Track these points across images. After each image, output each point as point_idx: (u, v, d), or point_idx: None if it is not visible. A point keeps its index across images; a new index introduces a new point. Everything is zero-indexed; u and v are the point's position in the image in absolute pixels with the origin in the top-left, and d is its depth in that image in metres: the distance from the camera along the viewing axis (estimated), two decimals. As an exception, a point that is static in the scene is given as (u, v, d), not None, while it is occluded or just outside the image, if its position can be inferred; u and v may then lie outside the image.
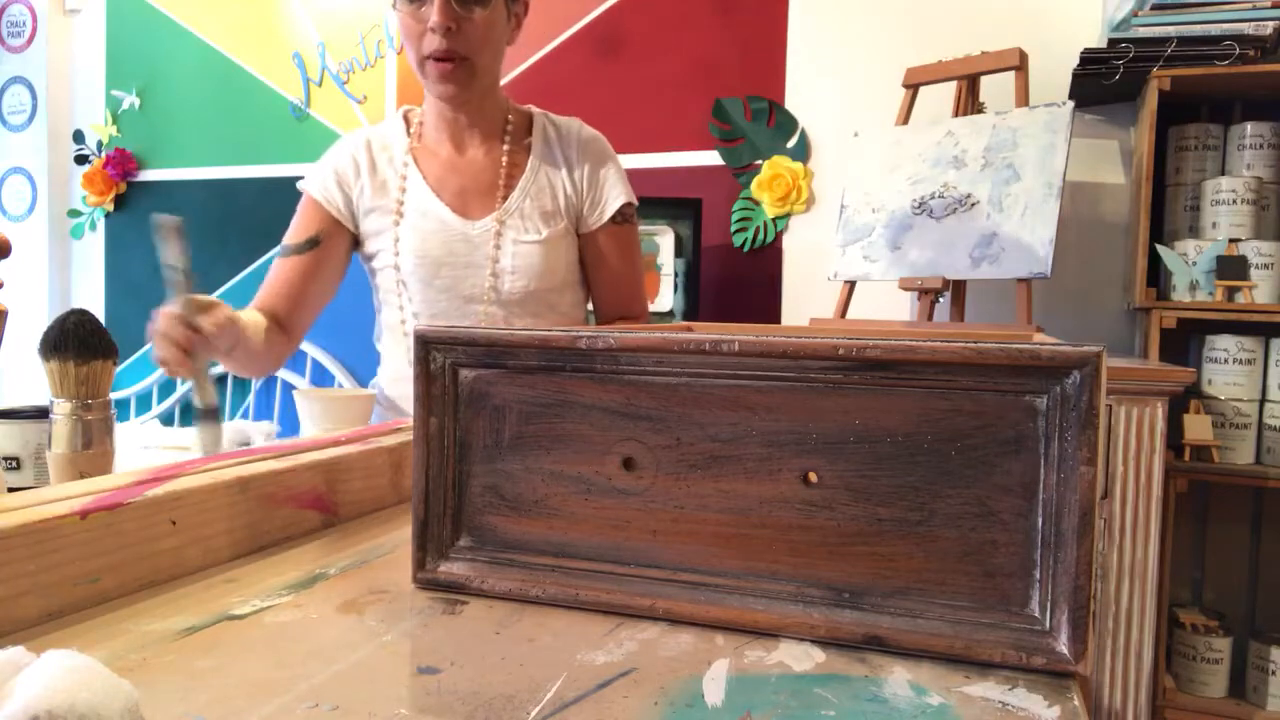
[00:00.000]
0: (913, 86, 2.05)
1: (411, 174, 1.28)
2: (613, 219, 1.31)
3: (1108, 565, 1.52)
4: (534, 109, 1.36)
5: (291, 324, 1.29)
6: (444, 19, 1.14)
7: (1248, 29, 1.74)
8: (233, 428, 1.49)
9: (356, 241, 1.33)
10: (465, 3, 1.16)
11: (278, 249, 1.32)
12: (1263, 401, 1.77)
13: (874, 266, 1.95)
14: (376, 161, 1.30)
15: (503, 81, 2.64)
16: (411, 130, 1.32)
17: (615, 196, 1.30)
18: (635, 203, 1.34)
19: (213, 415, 0.94)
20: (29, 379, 3.13)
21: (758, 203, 2.38)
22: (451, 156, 1.30)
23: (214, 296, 1.03)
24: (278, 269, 1.30)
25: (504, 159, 1.29)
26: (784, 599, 0.42)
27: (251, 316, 1.19)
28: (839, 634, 0.41)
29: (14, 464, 0.79)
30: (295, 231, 1.32)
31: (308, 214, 1.32)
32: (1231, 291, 1.76)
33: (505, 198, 1.27)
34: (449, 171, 1.29)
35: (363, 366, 2.78)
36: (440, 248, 1.26)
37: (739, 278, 2.42)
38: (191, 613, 0.44)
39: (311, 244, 1.28)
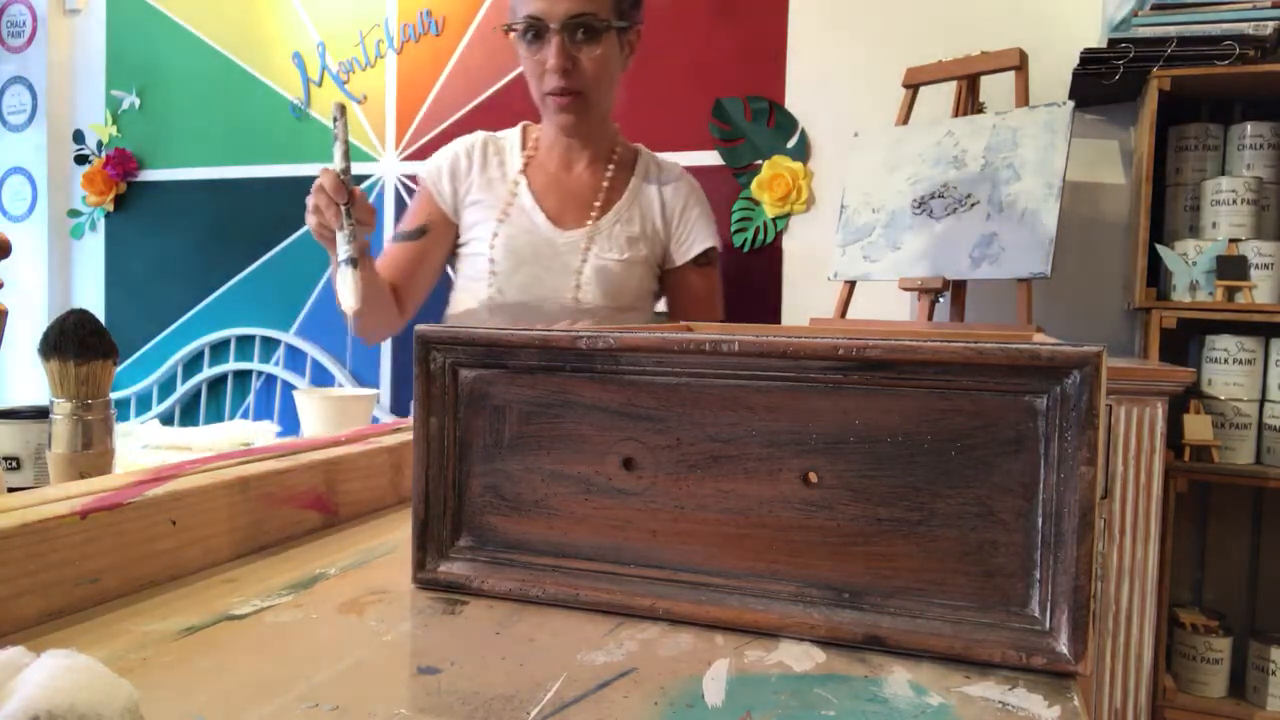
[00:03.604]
0: (913, 86, 2.05)
1: (521, 182, 1.41)
2: (696, 260, 1.42)
3: (1108, 565, 1.52)
4: (641, 147, 1.48)
5: (402, 301, 1.42)
6: (560, 60, 1.25)
7: (1248, 29, 1.74)
8: (233, 427, 1.49)
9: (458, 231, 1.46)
10: (579, 44, 1.26)
11: (394, 234, 1.46)
12: (1263, 401, 1.77)
13: (874, 266, 1.95)
14: (488, 161, 1.43)
15: (505, 80, 2.62)
16: (529, 146, 1.44)
17: (702, 239, 1.42)
18: (719, 249, 1.45)
19: (351, 264, 1.12)
20: (29, 379, 3.13)
21: (758, 203, 2.38)
22: (559, 172, 1.42)
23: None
24: (389, 251, 1.44)
25: (605, 182, 1.40)
26: (784, 599, 0.42)
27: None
28: (839, 634, 0.41)
29: (14, 464, 0.79)
30: (408, 219, 1.46)
31: (420, 203, 1.45)
32: (1231, 291, 1.76)
33: (599, 216, 1.38)
34: (554, 185, 1.41)
35: (363, 366, 2.78)
36: (528, 247, 1.37)
37: (739, 278, 2.42)
38: (191, 613, 0.44)
39: (420, 233, 1.43)
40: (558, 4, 1.23)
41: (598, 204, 1.38)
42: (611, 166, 1.40)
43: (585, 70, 1.27)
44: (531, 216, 1.37)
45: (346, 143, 1.13)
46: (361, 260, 1.21)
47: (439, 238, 1.43)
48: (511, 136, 1.46)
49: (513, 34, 1.30)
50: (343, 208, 1.12)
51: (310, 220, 1.17)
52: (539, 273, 1.36)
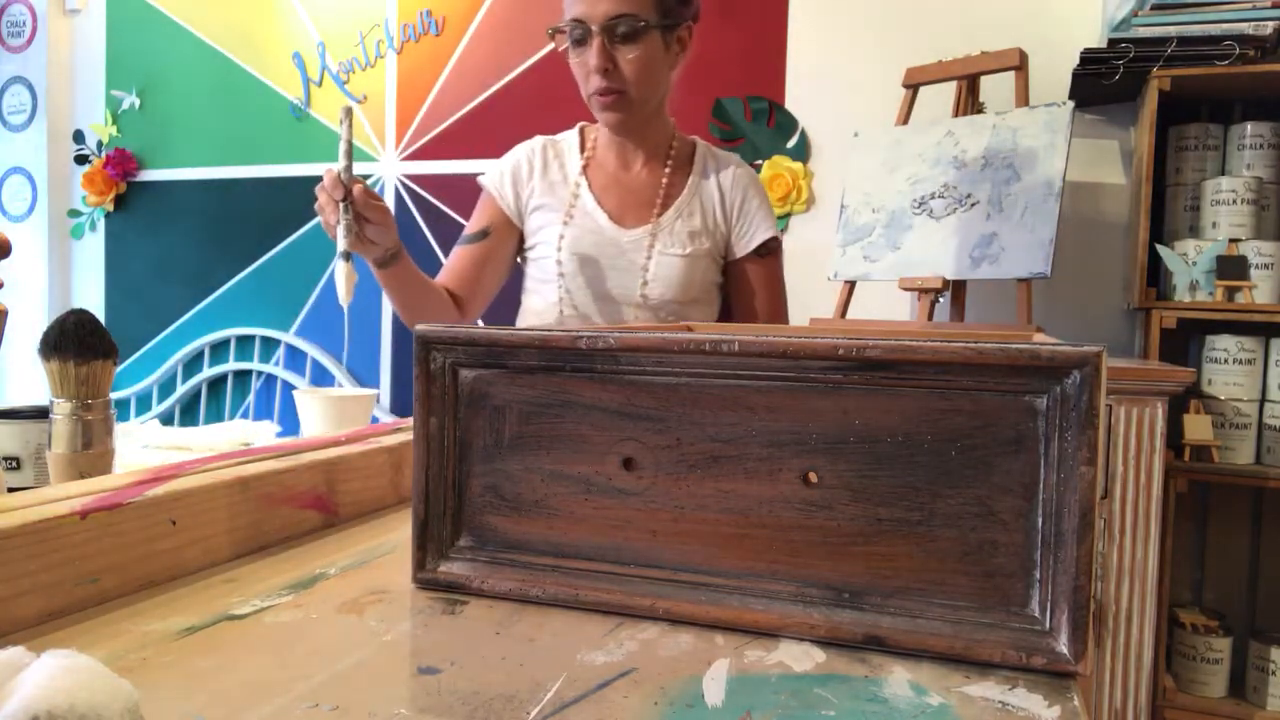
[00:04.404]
0: (913, 86, 2.05)
1: (582, 184, 1.44)
2: (757, 250, 1.43)
3: (1108, 565, 1.52)
4: (698, 140, 1.50)
5: (465, 303, 1.45)
6: (601, 61, 1.29)
7: (1248, 29, 1.74)
8: (233, 427, 1.49)
9: (522, 235, 1.49)
10: (618, 44, 1.29)
11: (459, 239, 1.49)
12: (1263, 401, 1.77)
13: (874, 266, 1.95)
14: (549, 166, 1.46)
15: (506, 80, 2.62)
16: (587, 146, 1.46)
17: (762, 230, 1.43)
18: (779, 238, 1.46)
19: (345, 258, 1.15)
20: (29, 379, 3.13)
21: (758, 203, 2.38)
22: (618, 172, 1.44)
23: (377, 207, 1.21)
24: (454, 255, 1.47)
25: (664, 179, 1.42)
26: (784, 599, 0.42)
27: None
28: (839, 634, 0.41)
29: (14, 464, 0.79)
30: (471, 223, 1.49)
31: (483, 207, 1.48)
32: (1231, 291, 1.76)
33: (661, 213, 1.40)
34: (613, 184, 1.44)
35: (363, 367, 2.78)
36: (592, 248, 1.40)
37: (739, 278, 2.42)
38: (191, 613, 0.44)
39: (482, 235, 1.46)
40: (597, 6, 1.27)
41: (658, 201, 1.41)
42: (669, 163, 1.43)
43: (627, 70, 1.30)
44: (595, 217, 1.40)
45: (349, 142, 1.16)
46: (393, 260, 1.26)
47: (502, 240, 1.46)
48: (569, 139, 1.49)
49: (559, 36, 1.34)
50: (341, 204, 1.14)
51: (319, 211, 1.22)
52: (605, 272, 1.39)
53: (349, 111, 1.16)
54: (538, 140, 1.49)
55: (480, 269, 1.44)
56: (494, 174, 1.47)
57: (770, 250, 1.44)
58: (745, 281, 1.45)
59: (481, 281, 1.45)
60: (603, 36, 1.28)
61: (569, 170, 1.45)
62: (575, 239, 1.40)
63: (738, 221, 1.43)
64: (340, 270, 1.14)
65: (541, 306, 1.45)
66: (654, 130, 1.42)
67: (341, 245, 1.15)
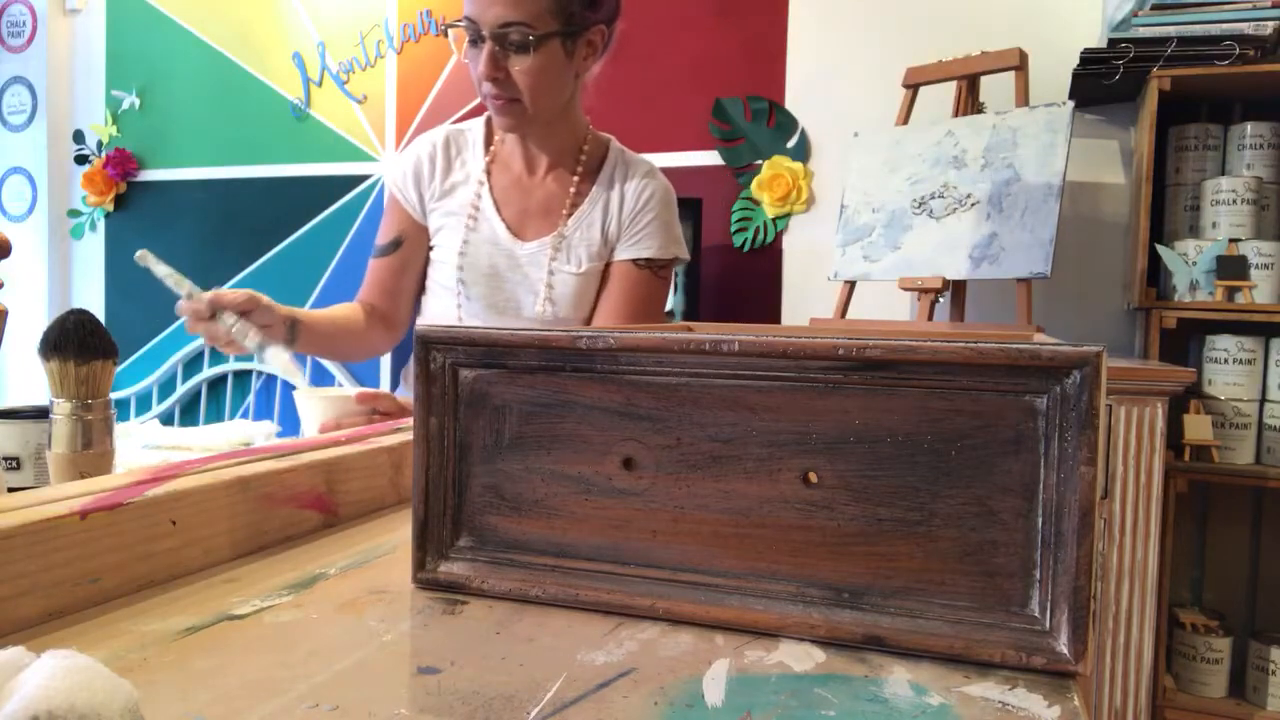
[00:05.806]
0: (913, 86, 2.05)
1: (485, 184, 1.36)
2: (635, 260, 1.34)
3: (1108, 565, 1.52)
4: (613, 141, 1.40)
5: (391, 317, 1.40)
6: (488, 70, 1.21)
7: (1248, 29, 1.74)
8: (233, 427, 1.49)
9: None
10: (510, 52, 1.21)
11: (372, 251, 1.44)
12: (1263, 401, 1.78)
13: (874, 266, 1.95)
14: (451, 164, 1.38)
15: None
16: (494, 142, 1.38)
17: (649, 246, 1.34)
18: (672, 261, 1.37)
19: (261, 350, 1.11)
20: (29, 379, 3.13)
21: (758, 203, 2.38)
22: (522, 176, 1.36)
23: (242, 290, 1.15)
24: (371, 268, 1.41)
25: (571, 188, 1.34)
26: (784, 599, 0.42)
27: (323, 311, 1.32)
28: (839, 634, 0.41)
29: (14, 464, 0.79)
30: (382, 232, 1.42)
31: (391, 214, 1.41)
32: (1231, 291, 1.76)
33: (562, 226, 1.33)
34: (516, 190, 1.36)
35: (363, 367, 2.78)
36: (485, 259, 1.33)
37: (739, 278, 2.42)
38: (191, 613, 0.44)
39: (395, 245, 1.39)
40: (488, 10, 1.19)
41: (563, 212, 1.33)
42: (579, 171, 1.35)
43: (517, 78, 1.22)
44: (494, 226, 1.34)
45: (171, 275, 1.10)
46: (296, 329, 1.20)
47: (416, 246, 1.39)
48: (475, 131, 1.40)
49: (456, 32, 1.27)
50: (217, 315, 1.09)
51: (217, 345, 1.17)
52: (503, 285, 1.34)
53: (144, 256, 1.11)
54: (439, 132, 1.40)
55: (398, 279, 1.39)
56: (396, 175, 1.40)
57: (650, 267, 1.34)
58: (605, 283, 1.35)
59: (402, 292, 1.40)
60: (493, 43, 1.20)
61: (471, 170, 1.37)
62: (474, 247, 1.33)
63: (629, 227, 1.34)
64: (278, 361, 1.10)
65: (440, 310, 1.39)
66: (558, 134, 1.34)
67: (254, 341, 1.11)
